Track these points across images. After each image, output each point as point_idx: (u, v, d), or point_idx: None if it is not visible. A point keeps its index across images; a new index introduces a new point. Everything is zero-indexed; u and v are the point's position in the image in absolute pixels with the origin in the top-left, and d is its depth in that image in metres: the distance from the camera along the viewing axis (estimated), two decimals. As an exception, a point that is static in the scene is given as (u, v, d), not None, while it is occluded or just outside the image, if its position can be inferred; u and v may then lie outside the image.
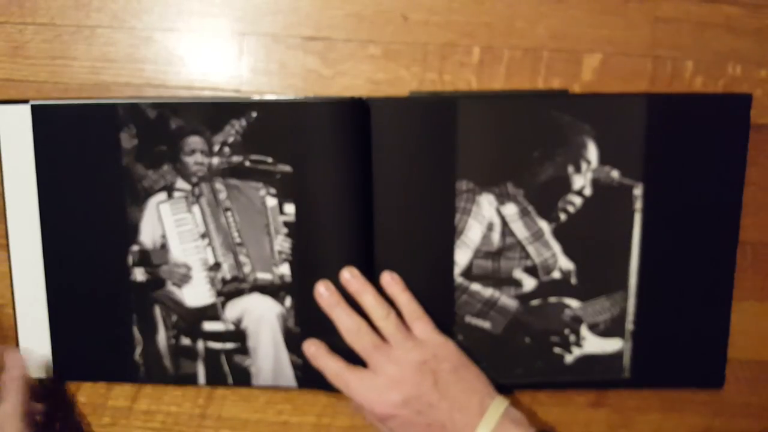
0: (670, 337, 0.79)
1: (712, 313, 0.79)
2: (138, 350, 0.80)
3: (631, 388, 0.81)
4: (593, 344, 0.78)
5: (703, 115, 0.75)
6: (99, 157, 0.77)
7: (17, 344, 0.81)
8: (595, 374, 0.79)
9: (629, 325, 0.78)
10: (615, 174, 0.75)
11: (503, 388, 0.79)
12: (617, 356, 0.78)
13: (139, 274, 0.79)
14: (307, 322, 0.78)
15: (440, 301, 0.77)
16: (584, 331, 0.78)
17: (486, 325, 0.78)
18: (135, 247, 0.78)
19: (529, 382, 0.80)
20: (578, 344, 0.78)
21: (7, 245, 0.80)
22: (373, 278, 0.77)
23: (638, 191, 0.75)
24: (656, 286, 0.78)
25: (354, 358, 0.74)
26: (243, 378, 0.80)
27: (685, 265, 0.78)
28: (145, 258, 0.79)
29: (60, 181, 0.78)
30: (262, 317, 0.78)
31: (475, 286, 0.77)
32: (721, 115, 0.75)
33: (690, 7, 0.77)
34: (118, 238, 0.78)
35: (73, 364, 0.81)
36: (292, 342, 0.79)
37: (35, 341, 0.81)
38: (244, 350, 0.79)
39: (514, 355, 0.78)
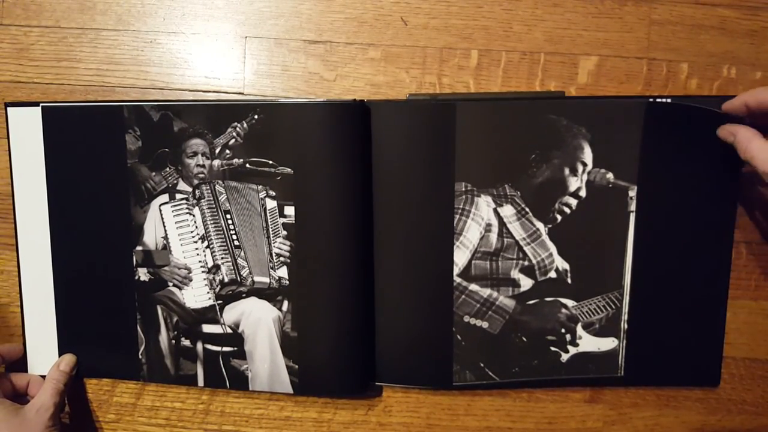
0: (664, 336, 0.79)
1: (707, 313, 0.80)
2: (141, 349, 0.81)
3: (625, 386, 0.81)
4: (588, 343, 0.79)
5: (700, 118, 0.75)
6: (106, 158, 0.78)
7: (24, 342, 0.82)
8: (590, 372, 0.80)
9: (624, 325, 0.79)
10: (610, 176, 0.75)
11: (501, 386, 0.80)
12: (612, 355, 0.79)
13: (142, 275, 0.80)
14: (304, 327, 0.78)
15: (439, 301, 0.78)
16: (580, 330, 0.78)
17: (484, 324, 0.78)
18: (139, 248, 0.79)
19: (526, 381, 0.80)
20: (574, 343, 0.79)
21: (16, 245, 0.81)
22: (373, 279, 0.78)
23: (633, 193, 0.76)
24: (650, 286, 0.78)
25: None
26: (240, 382, 0.81)
27: (679, 265, 0.78)
28: (148, 259, 0.79)
29: (69, 182, 0.79)
30: (259, 321, 0.79)
31: (474, 287, 0.78)
32: (717, 118, 0.75)
33: (685, 9, 0.78)
34: (124, 238, 0.79)
35: (78, 362, 0.82)
36: (289, 347, 0.79)
37: (42, 339, 0.82)
38: (241, 354, 0.80)
39: (512, 355, 0.79)
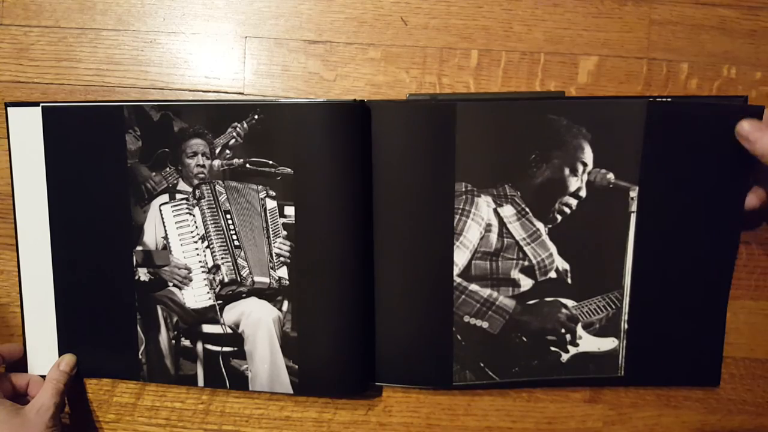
0: (664, 336, 0.79)
1: (708, 313, 0.80)
2: (141, 349, 0.81)
3: (625, 386, 0.81)
4: (588, 343, 0.79)
5: (703, 116, 0.74)
6: (106, 158, 0.78)
7: (24, 342, 0.82)
8: (591, 372, 0.80)
9: (624, 324, 0.78)
10: (610, 176, 0.75)
11: (501, 386, 0.80)
12: (612, 355, 0.79)
13: (142, 275, 0.80)
14: (304, 327, 0.78)
15: (439, 301, 0.78)
16: (580, 330, 0.78)
17: (484, 324, 0.78)
18: (139, 248, 0.79)
19: (526, 381, 0.80)
20: (574, 343, 0.79)
21: (16, 245, 0.81)
22: (373, 279, 0.78)
23: (634, 193, 0.75)
24: (651, 286, 0.78)
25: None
26: (240, 382, 0.81)
27: (681, 265, 0.78)
28: (148, 259, 0.79)
29: (69, 182, 0.79)
30: (259, 321, 0.79)
31: (474, 287, 0.78)
32: (720, 115, 0.74)
33: (685, 9, 0.78)
34: (124, 238, 0.79)
35: (78, 362, 0.82)
36: (289, 347, 0.79)
37: (42, 339, 0.82)
38: (241, 354, 0.80)
39: (512, 355, 0.79)
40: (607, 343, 0.79)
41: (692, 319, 0.79)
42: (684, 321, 0.79)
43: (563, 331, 0.78)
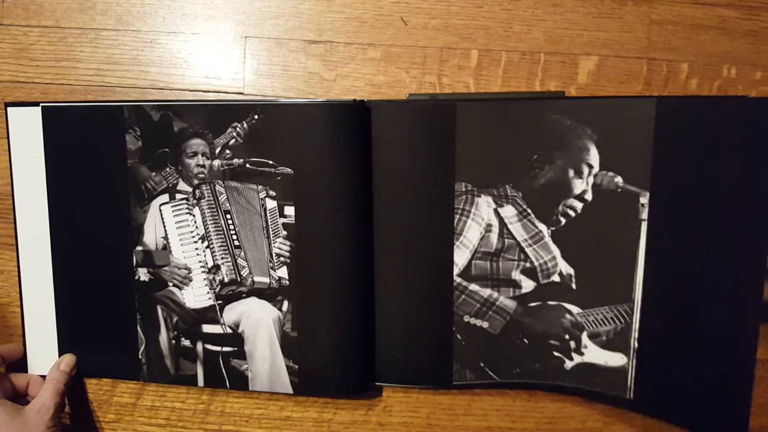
0: (680, 365, 0.73)
1: (734, 346, 0.70)
2: (141, 349, 0.81)
3: (635, 411, 0.77)
4: (595, 354, 0.76)
5: (718, 113, 0.68)
6: (106, 158, 0.78)
7: (24, 342, 0.82)
8: (597, 386, 0.77)
9: (634, 342, 0.74)
10: (618, 180, 0.72)
11: (501, 386, 0.80)
12: (621, 372, 0.75)
13: (142, 275, 0.80)
14: (304, 327, 0.78)
15: (439, 301, 0.78)
16: (585, 339, 0.76)
17: (484, 324, 0.78)
18: (139, 248, 0.79)
19: (528, 383, 0.79)
20: (579, 351, 0.77)
21: (16, 245, 0.81)
22: (373, 279, 0.78)
23: (644, 200, 0.72)
24: (666, 304, 0.72)
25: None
26: (240, 382, 0.81)
27: (702, 283, 0.71)
28: (148, 259, 0.79)
29: (69, 182, 0.79)
30: (259, 321, 0.79)
31: (474, 287, 0.77)
32: (738, 112, 0.68)
33: (685, 9, 0.78)
34: (124, 238, 0.79)
35: (78, 362, 0.82)
36: (289, 347, 0.79)
37: (42, 339, 0.82)
38: (241, 354, 0.80)
39: (512, 356, 0.78)
40: (616, 359, 0.75)
41: (714, 347, 0.71)
42: (705, 352, 0.71)
43: (567, 337, 0.77)
